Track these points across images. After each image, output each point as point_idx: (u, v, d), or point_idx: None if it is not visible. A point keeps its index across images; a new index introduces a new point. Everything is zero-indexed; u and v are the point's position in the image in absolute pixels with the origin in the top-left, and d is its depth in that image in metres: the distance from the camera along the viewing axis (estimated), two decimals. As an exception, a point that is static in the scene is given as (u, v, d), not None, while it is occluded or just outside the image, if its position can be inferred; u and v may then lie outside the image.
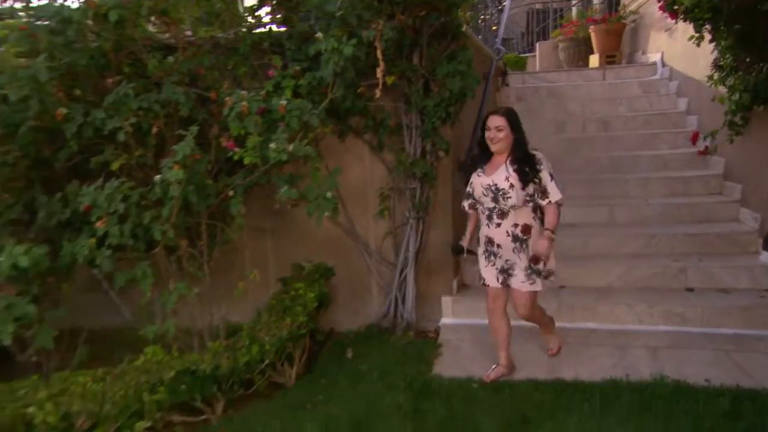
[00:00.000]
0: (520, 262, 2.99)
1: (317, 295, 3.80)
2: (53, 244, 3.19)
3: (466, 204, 3.17)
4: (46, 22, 3.10)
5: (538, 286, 3.03)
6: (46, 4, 3.13)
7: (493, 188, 2.93)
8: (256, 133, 3.05)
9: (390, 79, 3.46)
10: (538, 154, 2.95)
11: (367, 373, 3.37)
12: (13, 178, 3.25)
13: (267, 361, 3.22)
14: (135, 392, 2.79)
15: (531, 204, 2.94)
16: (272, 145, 2.86)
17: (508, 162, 2.93)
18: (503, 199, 2.91)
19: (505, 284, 3.08)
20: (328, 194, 3.13)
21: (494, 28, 6.95)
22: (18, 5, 3.11)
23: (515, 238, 2.97)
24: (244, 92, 2.97)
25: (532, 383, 3.13)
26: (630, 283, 4.15)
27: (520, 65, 9.91)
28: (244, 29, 3.65)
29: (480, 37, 5.70)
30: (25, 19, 3.09)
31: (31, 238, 3.23)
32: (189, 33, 3.66)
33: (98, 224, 3.02)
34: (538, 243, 2.92)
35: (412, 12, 3.41)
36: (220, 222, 3.61)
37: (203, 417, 3.12)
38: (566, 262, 4.29)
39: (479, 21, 6.28)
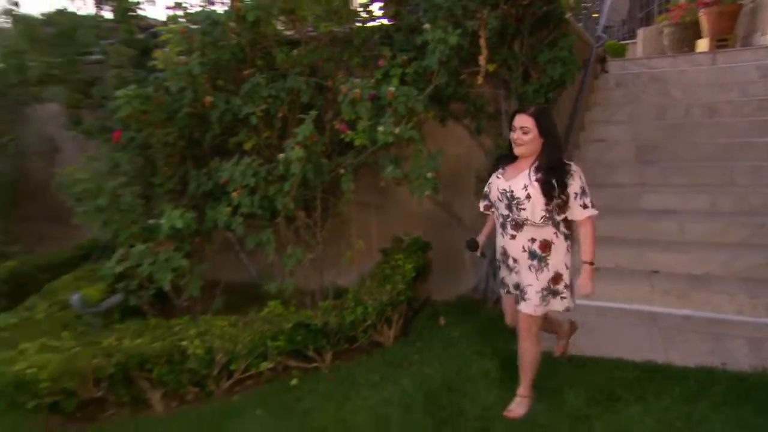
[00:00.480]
0: (537, 284, 2.42)
1: (415, 266, 3.89)
2: (199, 211, 3.56)
3: (481, 205, 2.66)
4: (198, 26, 3.41)
5: (551, 306, 2.48)
6: (200, 11, 3.43)
7: (508, 195, 2.38)
8: (366, 117, 3.15)
9: (491, 67, 3.40)
10: (573, 167, 2.35)
11: (458, 339, 3.41)
12: (172, 155, 3.65)
13: (369, 322, 3.37)
14: (260, 338, 3.06)
15: (549, 220, 2.38)
16: (380, 128, 2.95)
17: (532, 169, 2.35)
18: (517, 209, 2.37)
19: (516, 300, 2.54)
20: (429, 174, 3.18)
21: (594, 15, 6.51)
22: (179, 12, 3.44)
23: (532, 255, 2.41)
24: (357, 80, 3.08)
25: (620, 362, 2.99)
26: (732, 273, 3.78)
27: (619, 52, 9.18)
28: (358, 24, 3.76)
29: (581, 25, 5.37)
30: (184, 24, 3.41)
31: (184, 204, 3.62)
32: (310, 29, 3.84)
33: (234, 195, 3.32)
34: (579, 283, 2.43)
35: (515, 2, 3.31)
36: (332, 196, 3.80)
37: (314, 364, 3.35)
38: (659, 247, 4.02)
39: (581, 9, 5.91)
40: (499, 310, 3.86)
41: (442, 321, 3.82)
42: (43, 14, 4.59)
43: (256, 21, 3.27)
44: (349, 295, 3.57)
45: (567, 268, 2.45)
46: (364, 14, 3.84)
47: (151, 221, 3.38)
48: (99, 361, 2.77)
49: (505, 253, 2.52)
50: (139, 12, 4.50)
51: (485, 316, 3.73)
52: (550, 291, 2.44)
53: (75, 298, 3.41)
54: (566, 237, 2.43)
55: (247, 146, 3.58)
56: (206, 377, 2.97)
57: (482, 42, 3.21)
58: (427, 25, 3.19)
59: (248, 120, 3.48)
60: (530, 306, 2.45)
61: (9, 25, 4.89)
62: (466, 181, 4.16)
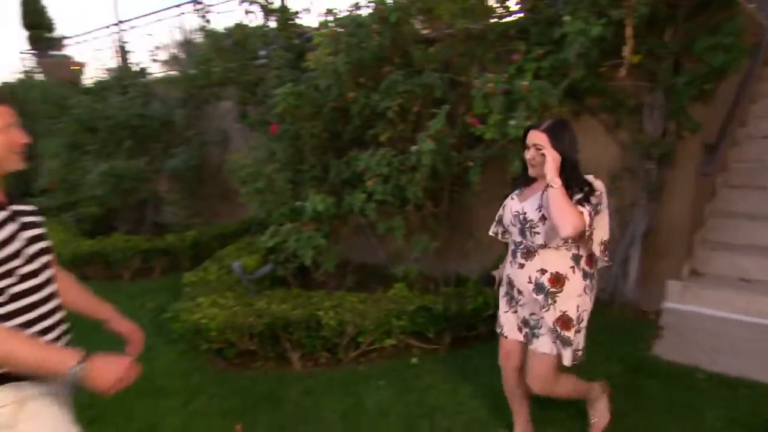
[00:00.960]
0: (548, 321, 1.94)
1: (538, 261, 3.64)
2: (338, 196, 3.71)
3: (492, 230, 2.22)
4: (345, 29, 3.52)
5: (561, 352, 1.94)
6: (347, 15, 3.54)
7: (521, 217, 1.94)
8: (498, 111, 2.98)
9: (636, 58, 2.99)
10: (597, 184, 1.86)
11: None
12: (317, 146, 3.85)
13: (490, 312, 3.22)
14: (386, 316, 3.10)
15: (568, 247, 1.87)
16: (512, 122, 2.77)
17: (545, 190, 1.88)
18: (530, 233, 1.91)
19: (527, 340, 2.05)
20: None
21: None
22: (329, 18, 3.59)
23: (539, 288, 1.91)
24: (490, 75, 2.92)
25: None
26: None
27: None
28: (493, 19, 3.56)
29: (753, 5, 4.46)
30: (333, 28, 3.55)
31: (324, 190, 3.81)
32: (446, 27, 3.74)
33: (368, 183, 3.39)
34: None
35: (670, -14, 2.86)
36: (459, 188, 3.70)
37: (433, 346, 3.31)
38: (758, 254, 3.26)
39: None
40: (627, 313, 3.47)
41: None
42: (225, 28, 5.16)
43: (397, 21, 3.27)
44: (470, 284, 3.46)
45: (578, 311, 1.88)
46: (500, 10, 3.63)
47: (297, 203, 3.60)
48: (252, 320, 3.04)
49: (510, 284, 2.04)
50: (297, 20, 4.80)
51: (610, 318, 3.35)
52: (558, 336, 1.90)
53: (236, 265, 3.79)
54: (585, 275, 1.89)
55: (383, 138, 3.62)
56: (337, 345, 3.10)
57: (628, 32, 2.82)
58: (566, 17, 2.90)
59: (385, 114, 3.51)
60: (546, 342, 1.93)
61: (200, 39, 5.59)
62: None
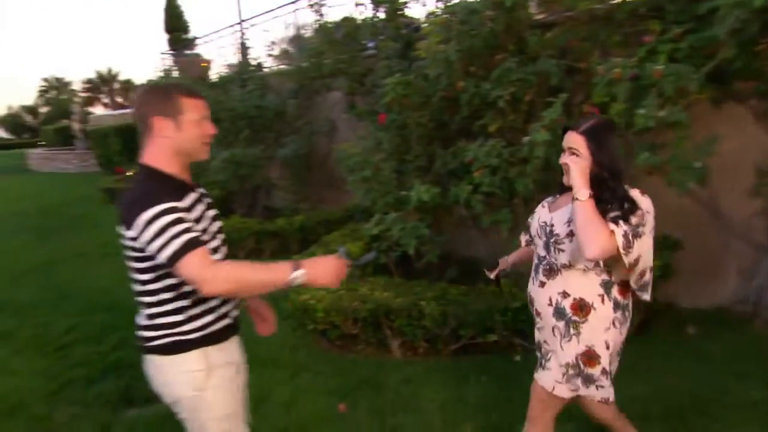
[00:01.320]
0: (561, 353, 1.66)
1: (661, 266, 3.30)
2: (443, 187, 3.68)
3: (522, 239, 1.97)
4: (457, 16, 3.45)
5: (580, 392, 1.67)
6: (460, 2, 3.47)
7: (547, 230, 1.68)
8: (623, 99, 2.73)
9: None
10: (643, 201, 1.53)
11: (713, 355, 2.78)
12: (423, 136, 3.86)
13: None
14: (489, 311, 3.03)
15: (598, 272, 1.58)
16: (641, 111, 2.51)
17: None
18: (555, 249, 1.64)
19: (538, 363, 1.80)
20: (697, 164, 2.59)
21: None
22: (440, 5, 3.55)
23: (559, 314, 1.64)
24: (617, 59, 2.67)
25: None
26: None
27: None
28: (621, -2, 3.26)
29: None
30: (444, 16, 3.51)
31: (429, 180, 3.80)
32: (564, 9, 3.50)
33: (476, 174, 3.32)
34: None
35: None
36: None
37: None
38: None
39: None
40: (773, 332, 3.02)
41: (691, 330, 3.16)
42: (336, 22, 5.36)
43: (513, 6, 3.13)
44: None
45: (607, 348, 1.61)
46: (630, -14, 3.30)
47: (402, 193, 3.64)
48: (357, 305, 3.15)
49: (531, 302, 1.80)
50: (406, 11, 4.82)
51: (752, 335, 2.95)
52: (579, 372, 1.64)
53: (341, 250, 3.90)
54: (617, 306, 1.60)
55: (492, 128, 3.52)
56: (437, 336, 3.10)
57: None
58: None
59: (495, 103, 3.40)
60: (549, 378, 1.70)
61: (311, 34, 5.86)
62: (741, 173, 3.30)
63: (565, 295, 1.63)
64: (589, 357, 1.62)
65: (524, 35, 3.41)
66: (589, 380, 1.63)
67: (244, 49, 8.82)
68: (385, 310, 3.12)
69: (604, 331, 1.60)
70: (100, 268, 5.41)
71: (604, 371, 1.63)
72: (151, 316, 1.43)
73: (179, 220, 1.26)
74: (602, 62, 3.10)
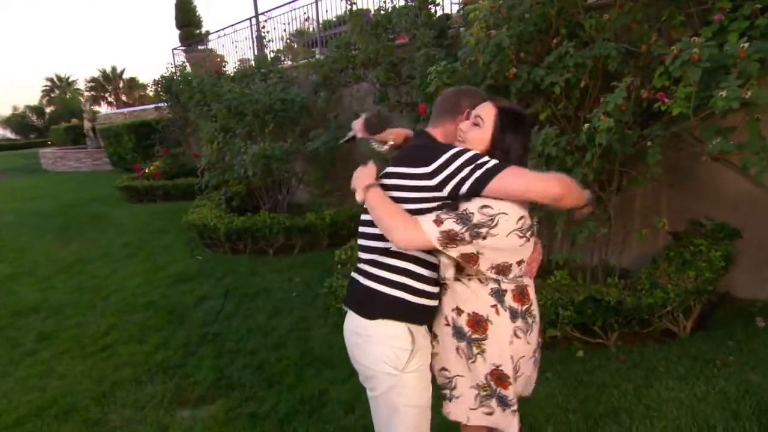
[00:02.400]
0: (470, 375, 1.50)
1: (723, 255, 3.20)
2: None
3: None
4: (503, 0, 3.33)
5: (495, 418, 1.51)
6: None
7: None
8: (694, 82, 2.60)
9: None
10: (504, 203, 1.36)
11: (791, 348, 2.66)
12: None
13: (669, 308, 2.91)
14: (551, 305, 2.93)
15: (483, 279, 1.44)
16: (723, 93, 2.38)
17: None
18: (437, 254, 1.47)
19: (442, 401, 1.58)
20: (778, 148, 2.47)
21: None
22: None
23: (459, 333, 1.48)
24: (695, 39, 2.54)
25: None
26: None
27: None
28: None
29: None
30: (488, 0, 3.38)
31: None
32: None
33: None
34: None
35: None
36: (630, 170, 3.35)
37: (598, 340, 3.08)
38: None
39: None
40: None
41: (760, 322, 3.05)
42: (363, 9, 5.23)
43: (567, -13, 3.00)
44: (643, 276, 3.15)
45: (514, 362, 1.47)
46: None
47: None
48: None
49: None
50: (437, -1, 4.70)
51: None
52: (492, 392, 1.48)
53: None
54: (515, 315, 1.45)
55: (542, 117, 3.40)
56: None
57: None
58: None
59: (547, 90, 3.27)
60: (460, 409, 1.53)
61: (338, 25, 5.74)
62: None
63: (458, 311, 1.47)
64: (499, 377, 1.47)
65: (577, 18, 3.28)
66: (503, 402, 1.48)
67: (261, 42, 8.71)
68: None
69: (507, 346, 1.45)
70: (128, 268, 5.36)
71: (515, 396, 1.49)
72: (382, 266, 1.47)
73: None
74: (663, 44, 2.99)
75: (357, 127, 1.67)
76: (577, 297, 2.95)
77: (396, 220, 1.37)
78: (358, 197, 1.46)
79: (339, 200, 6.42)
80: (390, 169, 1.47)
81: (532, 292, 1.53)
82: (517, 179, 1.32)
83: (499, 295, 1.45)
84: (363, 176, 1.48)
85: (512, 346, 1.46)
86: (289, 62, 7.47)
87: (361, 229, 1.53)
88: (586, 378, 2.68)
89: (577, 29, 3.33)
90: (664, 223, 3.19)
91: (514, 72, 3.27)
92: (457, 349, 1.50)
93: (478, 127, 1.45)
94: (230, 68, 8.63)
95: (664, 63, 2.87)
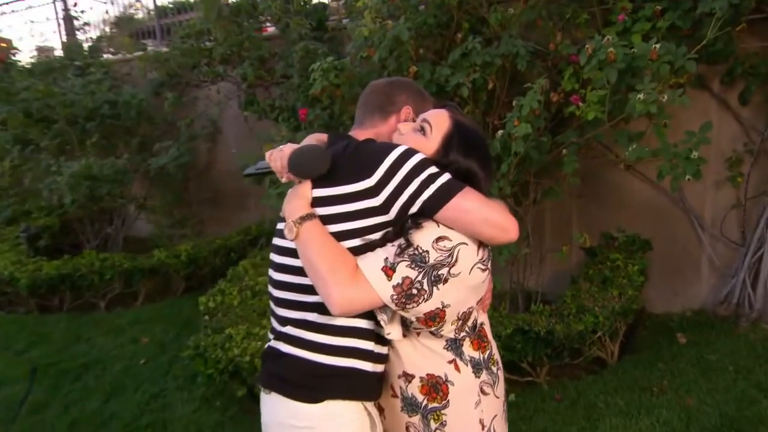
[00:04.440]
0: None
1: (640, 269, 3.49)
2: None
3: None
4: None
5: None
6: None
7: None
8: (611, 84, 2.80)
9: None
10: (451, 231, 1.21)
11: (718, 365, 2.95)
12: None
13: (599, 333, 3.05)
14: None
15: (436, 330, 1.27)
16: (640, 96, 2.58)
17: None
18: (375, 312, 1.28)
19: None
20: (694, 154, 2.74)
21: None
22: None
23: (410, 406, 1.32)
24: (608, 38, 2.73)
25: None
26: None
27: None
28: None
29: None
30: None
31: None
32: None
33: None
34: None
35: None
36: (544, 180, 3.51)
37: (527, 378, 3.11)
38: None
39: None
40: (759, 333, 3.33)
41: (681, 339, 3.36)
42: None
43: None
44: (568, 300, 3.27)
45: (485, 426, 1.32)
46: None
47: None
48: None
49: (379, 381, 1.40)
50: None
51: (745, 338, 3.21)
52: None
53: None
54: (477, 367, 1.32)
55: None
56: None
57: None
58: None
59: (449, 93, 3.30)
60: None
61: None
62: (709, 163, 3.61)
63: (408, 377, 1.31)
64: None
65: (480, 12, 3.38)
66: None
67: (71, 24, 7.74)
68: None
69: (474, 407, 1.30)
70: None
71: None
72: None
73: None
74: (569, 44, 3.21)
75: (276, 165, 1.31)
76: (503, 330, 2.95)
77: (334, 273, 1.14)
78: (288, 234, 1.20)
79: (196, 231, 5.93)
80: (316, 194, 1.23)
81: (488, 330, 1.40)
82: (477, 204, 1.17)
83: (456, 346, 1.30)
84: (296, 203, 1.23)
85: (480, 408, 1.31)
86: (119, 55, 6.71)
87: (279, 276, 1.29)
88: (524, 427, 2.66)
89: (480, 25, 3.43)
90: (585, 238, 3.38)
91: (415, 71, 3.24)
92: (408, 427, 1.32)
93: (423, 135, 1.28)
94: (24, 58, 7.55)
95: (573, 64, 3.09)
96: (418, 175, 1.16)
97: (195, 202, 6.26)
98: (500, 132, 3.03)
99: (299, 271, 1.21)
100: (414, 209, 1.16)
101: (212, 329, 3.21)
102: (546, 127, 3.44)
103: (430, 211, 1.15)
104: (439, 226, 1.19)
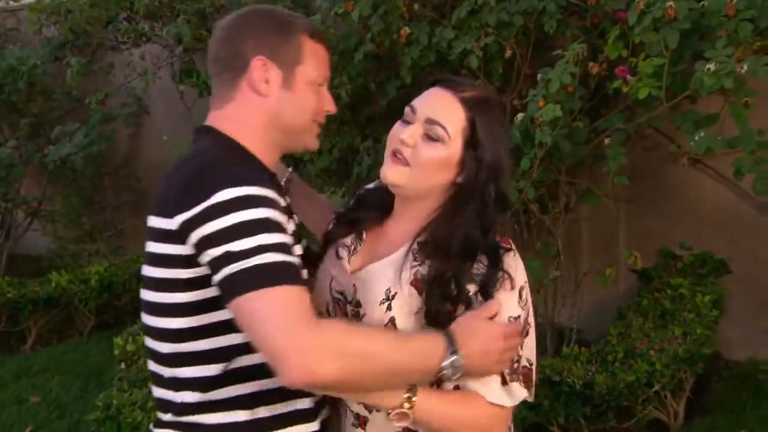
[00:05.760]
0: None
1: (713, 300, 3.53)
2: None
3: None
4: None
5: None
6: None
7: (349, 309, 1.37)
8: (671, 51, 2.82)
9: None
10: (517, 261, 1.29)
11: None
12: (333, 119, 3.66)
13: (657, 387, 3.08)
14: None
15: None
16: (711, 66, 2.60)
17: (416, 241, 1.31)
18: None
19: None
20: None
21: None
22: None
23: None
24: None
25: None
26: None
27: None
28: None
29: None
30: None
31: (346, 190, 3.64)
32: None
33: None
34: None
35: None
36: (579, 180, 3.56)
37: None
38: None
39: None
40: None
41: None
42: None
43: None
44: (613, 340, 3.30)
45: None
46: None
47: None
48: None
49: None
50: None
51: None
52: None
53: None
54: None
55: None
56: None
57: None
58: None
59: (453, 63, 3.36)
60: None
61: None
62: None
63: None
64: None
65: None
66: None
67: None
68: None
69: None
70: None
71: None
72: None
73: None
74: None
75: None
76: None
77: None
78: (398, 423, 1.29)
79: (112, 246, 6.04)
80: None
81: None
82: (274, 314, 1.04)
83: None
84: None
85: None
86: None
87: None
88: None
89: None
90: (636, 257, 3.41)
91: (407, 33, 3.28)
92: None
93: (437, 141, 1.26)
94: None
95: (620, 23, 3.11)
96: (237, 236, 1.08)
97: (111, 206, 6.35)
98: (520, 116, 3.07)
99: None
100: (216, 279, 1.09)
101: (130, 382, 3.21)
102: (582, 108, 3.48)
103: (225, 293, 1.08)
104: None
